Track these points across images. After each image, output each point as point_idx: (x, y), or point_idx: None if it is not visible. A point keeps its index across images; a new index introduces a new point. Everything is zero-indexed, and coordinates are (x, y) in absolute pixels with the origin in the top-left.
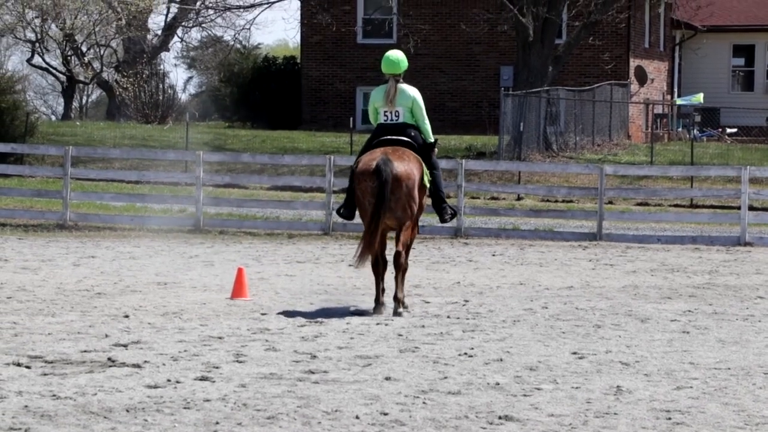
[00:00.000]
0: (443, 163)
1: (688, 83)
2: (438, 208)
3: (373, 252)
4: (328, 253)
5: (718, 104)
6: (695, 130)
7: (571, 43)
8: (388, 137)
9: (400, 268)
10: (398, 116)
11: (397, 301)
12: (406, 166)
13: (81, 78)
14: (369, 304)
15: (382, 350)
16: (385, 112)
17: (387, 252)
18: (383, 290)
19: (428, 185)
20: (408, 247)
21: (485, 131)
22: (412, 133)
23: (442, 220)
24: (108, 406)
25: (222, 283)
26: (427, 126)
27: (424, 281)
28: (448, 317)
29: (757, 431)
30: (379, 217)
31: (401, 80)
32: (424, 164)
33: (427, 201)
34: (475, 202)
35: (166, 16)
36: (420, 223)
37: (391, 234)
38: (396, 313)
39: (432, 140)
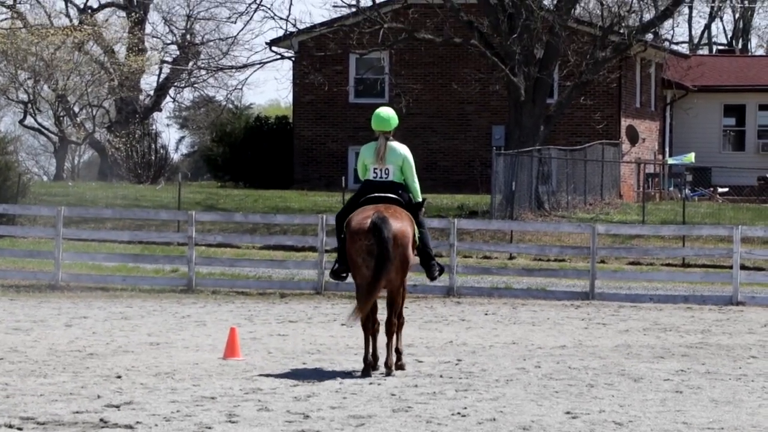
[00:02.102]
0: (435, 222)
1: (679, 143)
2: (426, 265)
3: (365, 311)
4: (320, 312)
5: (710, 164)
6: (687, 190)
7: (563, 103)
8: (376, 194)
9: (392, 335)
10: (388, 174)
11: (388, 367)
12: (401, 224)
13: (73, 138)
14: (361, 363)
15: (375, 410)
16: (375, 169)
17: (378, 314)
18: (375, 354)
19: (417, 242)
20: (400, 307)
21: (477, 190)
22: (400, 191)
23: (431, 278)
24: None
25: (214, 343)
26: (416, 185)
27: (417, 340)
28: (441, 376)
29: None
30: (380, 277)
31: (392, 138)
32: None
33: (416, 259)
34: (467, 261)
35: (159, 76)
36: (412, 282)
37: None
38: (388, 374)
39: (420, 199)
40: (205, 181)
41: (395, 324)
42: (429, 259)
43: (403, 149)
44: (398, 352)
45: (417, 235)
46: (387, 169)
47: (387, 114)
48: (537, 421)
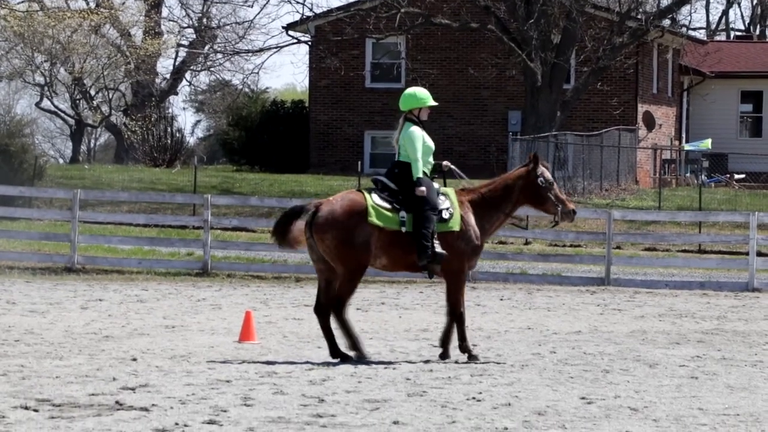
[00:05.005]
0: None
1: (696, 129)
2: (417, 247)
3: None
4: None
5: (726, 150)
6: (703, 176)
7: (579, 89)
8: (377, 177)
9: (337, 318)
10: (398, 153)
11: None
12: (329, 213)
13: (89, 121)
14: (377, 347)
15: (390, 394)
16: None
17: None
18: (351, 340)
19: (391, 225)
20: (456, 298)
21: (493, 175)
22: (396, 171)
23: (419, 262)
24: None
25: (230, 327)
26: (416, 162)
27: (432, 325)
28: (456, 362)
29: None
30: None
31: (414, 117)
32: (375, 203)
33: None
34: None
35: (175, 60)
36: None
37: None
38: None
39: (418, 176)
40: (221, 164)
41: (337, 313)
42: (419, 239)
43: (409, 128)
44: (462, 347)
45: (384, 215)
46: (397, 147)
47: (406, 93)
48: (552, 406)
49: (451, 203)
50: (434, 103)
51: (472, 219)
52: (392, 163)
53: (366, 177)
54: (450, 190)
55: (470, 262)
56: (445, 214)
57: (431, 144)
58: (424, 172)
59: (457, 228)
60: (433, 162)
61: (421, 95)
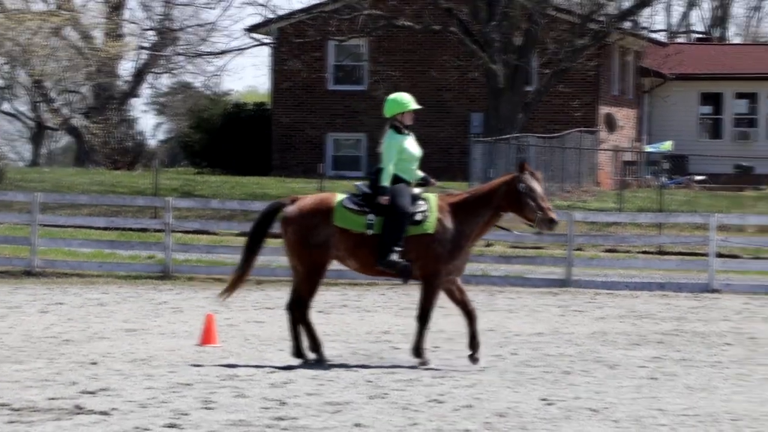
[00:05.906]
0: None
1: (656, 131)
2: (379, 250)
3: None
4: None
5: (687, 152)
6: (664, 177)
7: (541, 91)
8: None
9: (300, 319)
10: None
11: (303, 355)
12: (295, 209)
13: (50, 124)
14: (338, 350)
15: (352, 397)
16: None
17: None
18: (304, 342)
19: (356, 228)
20: (427, 302)
21: (454, 178)
22: (372, 178)
23: (377, 264)
24: None
25: (191, 330)
26: (385, 169)
27: (394, 327)
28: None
29: None
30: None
31: (398, 123)
32: (344, 205)
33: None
34: None
35: (136, 62)
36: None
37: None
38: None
39: (383, 184)
40: (182, 167)
41: (299, 313)
42: (384, 250)
43: (391, 136)
44: (415, 348)
45: (350, 219)
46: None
47: (388, 98)
48: (513, 408)
49: (428, 207)
50: (417, 107)
51: (450, 223)
52: (375, 169)
53: (328, 180)
54: (431, 195)
55: (447, 265)
56: (419, 216)
57: (414, 151)
58: (405, 180)
59: (431, 230)
60: (419, 173)
61: (402, 100)
